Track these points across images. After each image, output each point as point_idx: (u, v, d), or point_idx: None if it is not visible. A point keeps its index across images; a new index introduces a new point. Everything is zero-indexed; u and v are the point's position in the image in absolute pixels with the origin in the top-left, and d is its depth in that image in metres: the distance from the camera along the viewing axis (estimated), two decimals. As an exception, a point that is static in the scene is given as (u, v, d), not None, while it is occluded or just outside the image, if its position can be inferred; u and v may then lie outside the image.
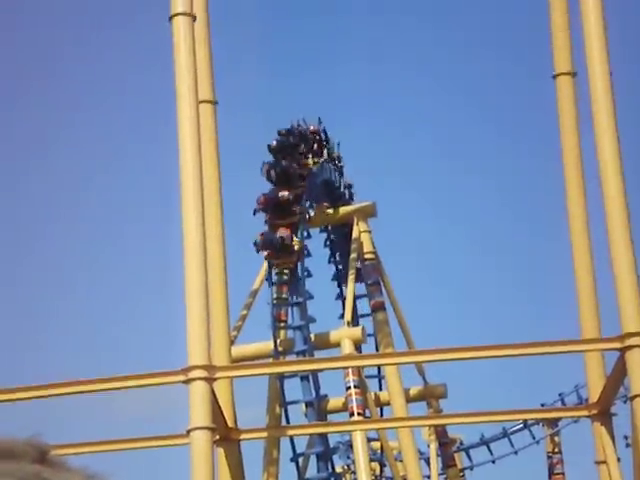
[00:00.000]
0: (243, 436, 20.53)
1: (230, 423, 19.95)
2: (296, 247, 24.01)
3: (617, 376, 18.46)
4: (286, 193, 24.49)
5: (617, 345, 17.56)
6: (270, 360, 24.08)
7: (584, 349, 19.35)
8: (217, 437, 18.84)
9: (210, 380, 17.70)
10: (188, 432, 17.24)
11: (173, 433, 18.89)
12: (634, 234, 17.71)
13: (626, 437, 19.94)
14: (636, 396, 16.81)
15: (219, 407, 18.82)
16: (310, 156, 25.91)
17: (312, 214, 26.52)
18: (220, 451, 19.61)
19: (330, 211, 27.69)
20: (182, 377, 17.56)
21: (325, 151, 26.87)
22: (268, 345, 24.95)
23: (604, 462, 19.27)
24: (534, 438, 36.73)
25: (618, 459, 19.30)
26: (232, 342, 22.37)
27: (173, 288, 18.94)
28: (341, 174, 27.93)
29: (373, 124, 67.43)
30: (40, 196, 63.84)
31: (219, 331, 20.13)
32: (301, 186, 25.05)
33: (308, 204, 25.89)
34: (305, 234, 25.62)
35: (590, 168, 19.41)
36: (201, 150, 18.43)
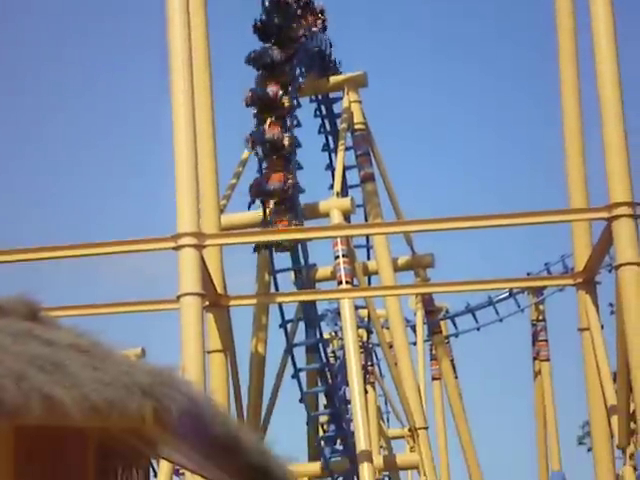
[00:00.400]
0: (232, 302, 20.79)
1: (219, 290, 20.18)
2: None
3: (603, 245, 18.66)
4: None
5: (604, 215, 17.71)
6: (259, 229, 24.16)
7: (572, 219, 19.51)
8: (207, 303, 19.11)
9: (199, 247, 17.84)
10: (178, 297, 17.46)
11: (163, 298, 19.13)
12: (626, 105, 17.68)
13: (611, 304, 20.28)
14: (621, 265, 17.03)
15: (208, 274, 19.01)
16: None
17: (302, 83, 26.28)
18: (209, 317, 19.88)
19: (321, 80, 27.43)
20: (172, 244, 17.69)
21: (320, 23, 26.53)
22: (257, 214, 25.03)
23: (587, 329, 19.62)
24: (519, 306, 37.18)
25: (601, 326, 19.67)
26: (221, 211, 22.47)
27: (164, 157, 18.90)
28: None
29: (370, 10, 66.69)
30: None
31: (208, 200, 20.19)
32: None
33: (299, 71, 25.62)
34: (295, 103, 25.44)
35: (584, 38, 19.26)
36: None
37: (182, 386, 7.45)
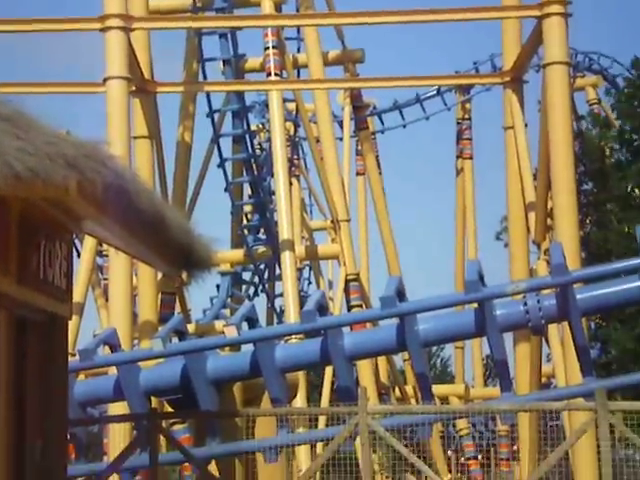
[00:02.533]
0: (160, 89, 20.56)
1: (147, 75, 19.93)
2: None
3: (532, 44, 18.68)
4: None
5: (536, 13, 17.64)
6: (188, 15, 23.70)
7: (503, 16, 19.38)
8: (133, 88, 18.90)
9: (127, 30, 17.49)
10: (104, 81, 17.24)
11: (90, 81, 18.85)
12: None
13: (540, 102, 20.42)
14: (549, 63, 17.10)
15: (136, 58, 18.72)
16: None
17: None
18: (136, 102, 19.68)
19: None
20: (98, 25, 17.32)
21: None
22: (186, 0, 24.49)
23: (511, 127, 19.86)
24: (446, 104, 37.28)
25: (525, 125, 19.91)
26: (150, -5, 21.93)
27: None
28: None
29: None
30: None
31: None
32: None
33: None
34: None
35: None
36: None
37: (107, 160, 7.44)
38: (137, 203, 8.11)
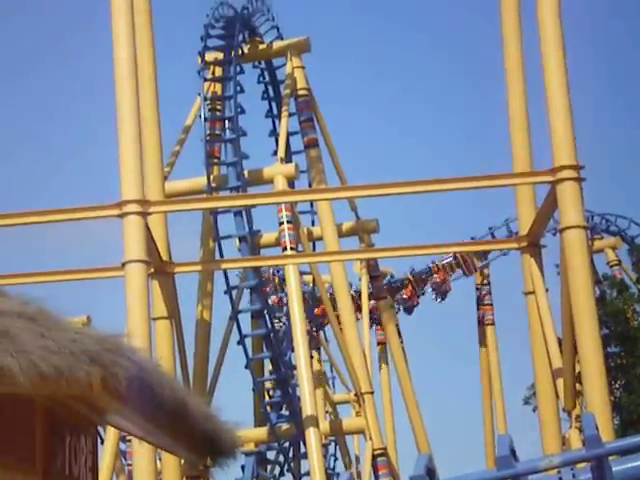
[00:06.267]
0: (177, 269, 20.68)
1: (164, 256, 20.06)
2: None
3: (547, 209, 18.76)
4: None
5: (549, 178, 17.79)
6: (204, 195, 24.03)
7: (517, 182, 19.55)
8: (152, 270, 19.00)
9: (144, 214, 17.72)
10: (123, 265, 17.33)
11: (108, 265, 18.96)
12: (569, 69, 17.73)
13: (557, 265, 20.37)
14: (566, 228, 17.13)
15: (153, 241, 18.88)
16: None
17: (245, 49, 26.15)
18: (155, 284, 19.77)
19: (263, 46, 27.23)
20: (116, 211, 17.53)
21: None
22: (201, 181, 24.85)
23: (532, 293, 19.73)
24: (463, 271, 37.28)
25: (546, 289, 19.79)
26: (165, 178, 22.29)
27: (106, 126, 18.69)
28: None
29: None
30: None
31: (152, 167, 20.02)
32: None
33: (241, 38, 25.43)
34: (238, 69, 25.27)
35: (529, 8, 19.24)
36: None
37: (129, 353, 7.36)
38: (160, 394, 7.97)
